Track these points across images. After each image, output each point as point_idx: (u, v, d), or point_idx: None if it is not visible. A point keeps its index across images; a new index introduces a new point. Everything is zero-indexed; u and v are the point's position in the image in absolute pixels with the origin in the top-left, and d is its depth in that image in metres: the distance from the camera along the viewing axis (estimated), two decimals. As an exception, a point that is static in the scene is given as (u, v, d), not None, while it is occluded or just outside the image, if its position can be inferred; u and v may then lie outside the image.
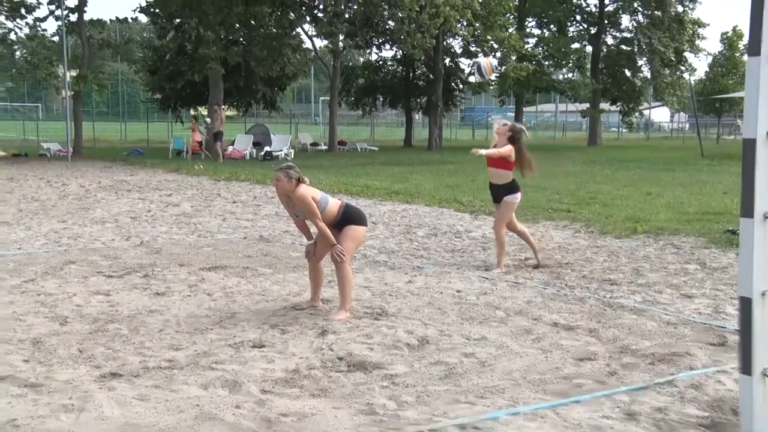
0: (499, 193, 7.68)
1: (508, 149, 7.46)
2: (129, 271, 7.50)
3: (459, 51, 36.67)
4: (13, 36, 29.46)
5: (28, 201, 13.37)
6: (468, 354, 4.80)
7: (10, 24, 28.24)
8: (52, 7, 27.00)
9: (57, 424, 3.73)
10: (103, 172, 20.18)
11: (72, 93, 28.05)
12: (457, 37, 34.47)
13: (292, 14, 29.94)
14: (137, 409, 3.93)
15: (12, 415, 3.82)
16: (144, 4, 29.72)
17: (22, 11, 27.30)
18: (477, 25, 32.07)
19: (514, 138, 7.55)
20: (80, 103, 29.43)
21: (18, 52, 32.59)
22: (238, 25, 29.72)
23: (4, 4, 27.12)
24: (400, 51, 34.22)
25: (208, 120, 25.69)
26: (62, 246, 8.81)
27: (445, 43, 34.76)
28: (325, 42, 33.66)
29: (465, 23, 30.89)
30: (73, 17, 27.77)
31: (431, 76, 35.12)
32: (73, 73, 28.20)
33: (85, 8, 27.93)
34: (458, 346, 4.99)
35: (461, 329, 5.38)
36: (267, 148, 26.97)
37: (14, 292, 6.47)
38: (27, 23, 28.10)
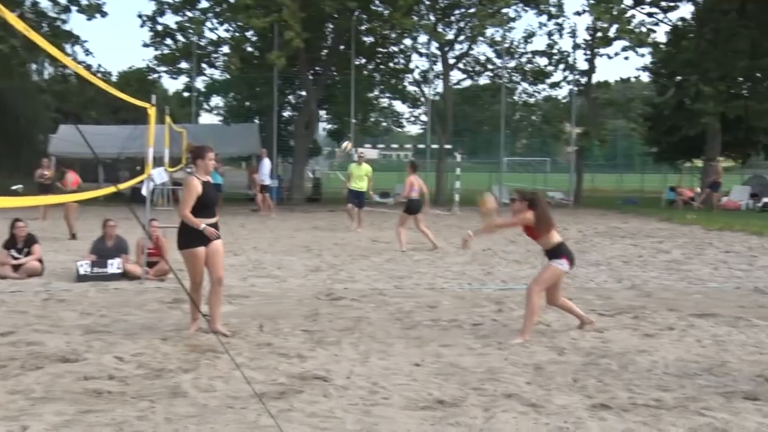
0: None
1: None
2: (620, 311, 8.07)
3: None
4: (531, 99, 34.50)
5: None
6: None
7: (530, 89, 33.18)
8: (566, 73, 31.56)
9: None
10: (599, 219, 21.88)
11: (576, 148, 30.38)
12: None
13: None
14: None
15: (517, 428, 4.44)
16: (648, 64, 32.71)
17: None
18: None
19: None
20: (582, 157, 32.25)
21: (534, 115, 36.05)
22: (741, 79, 30.05)
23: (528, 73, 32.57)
24: None
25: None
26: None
27: None
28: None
29: None
30: (583, 80, 31.23)
31: None
32: (579, 130, 30.36)
33: (594, 72, 30.75)
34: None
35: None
36: (765, 200, 27.03)
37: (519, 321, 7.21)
38: (544, 88, 33.04)
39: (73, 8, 26.76)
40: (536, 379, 5.59)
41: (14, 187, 19.81)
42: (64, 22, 27.61)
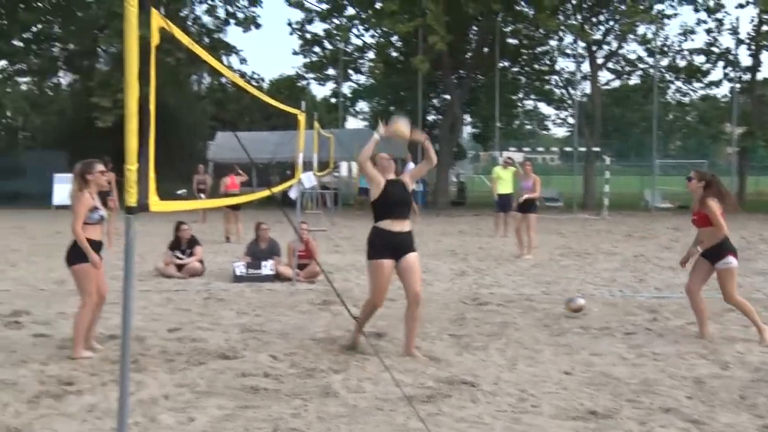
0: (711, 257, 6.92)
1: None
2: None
3: None
4: (686, 99, 33.64)
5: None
6: None
7: (684, 88, 32.46)
8: (727, 70, 30.30)
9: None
10: (765, 225, 20.80)
11: (738, 149, 29.86)
12: None
13: None
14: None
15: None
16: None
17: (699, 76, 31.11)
18: None
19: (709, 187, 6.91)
20: (746, 159, 31.17)
21: (689, 115, 36.35)
22: None
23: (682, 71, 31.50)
24: None
25: None
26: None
27: None
28: None
29: None
30: (746, 77, 29.89)
31: None
32: (741, 130, 29.33)
33: (759, 68, 29.75)
34: None
35: None
36: None
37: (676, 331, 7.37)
38: (700, 86, 32.00)
39: (231, 21, 28.31)
40: (697, 394, 5.30)
41: (179, 192, 21.16)
42: (222, 32, 29.26)
